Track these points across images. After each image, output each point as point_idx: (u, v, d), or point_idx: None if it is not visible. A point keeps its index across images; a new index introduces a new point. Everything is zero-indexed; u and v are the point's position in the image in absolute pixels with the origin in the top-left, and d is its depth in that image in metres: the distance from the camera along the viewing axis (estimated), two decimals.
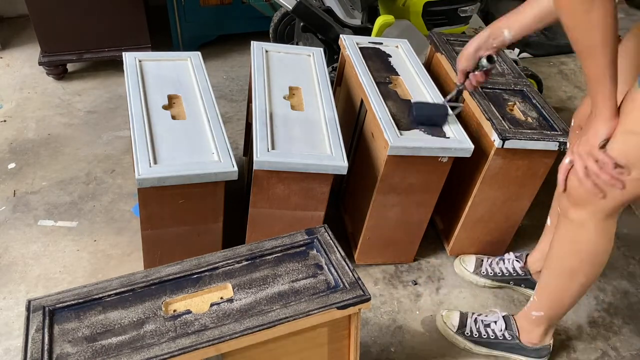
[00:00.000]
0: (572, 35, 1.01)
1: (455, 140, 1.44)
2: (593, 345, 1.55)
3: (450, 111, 1.50)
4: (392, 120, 1.44)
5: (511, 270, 1.63)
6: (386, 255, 1.69)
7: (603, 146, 1.06)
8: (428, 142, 1.41)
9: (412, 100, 1.52)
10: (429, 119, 1.47)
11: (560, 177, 1.16)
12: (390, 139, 1.37)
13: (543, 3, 1.22)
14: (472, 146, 1.42)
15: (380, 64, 1.70)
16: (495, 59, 1.32)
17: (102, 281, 1.01)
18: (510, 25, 1.27)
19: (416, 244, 1.68)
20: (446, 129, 1.47)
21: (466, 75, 1.40)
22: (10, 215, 1.77)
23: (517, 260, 1.64)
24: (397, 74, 1.67)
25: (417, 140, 1.41)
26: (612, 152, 1.05)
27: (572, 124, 1.41)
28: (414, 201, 1.53)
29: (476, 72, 1.36)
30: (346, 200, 1.80)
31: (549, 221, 1.51)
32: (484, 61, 1.32)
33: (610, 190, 1.08)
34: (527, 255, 1.64)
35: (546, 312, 1.35)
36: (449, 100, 1.50)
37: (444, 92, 1.62)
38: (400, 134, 1.41)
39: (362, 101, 1.61)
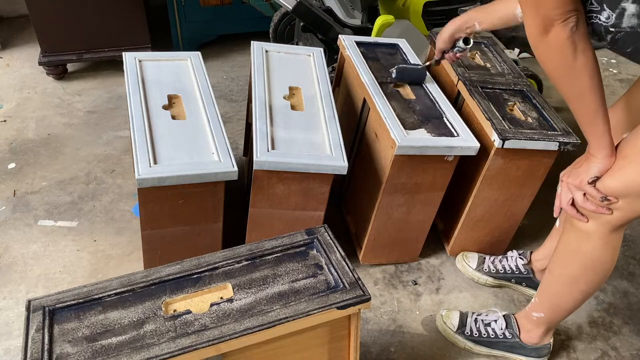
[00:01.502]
0: (560, 85, 1.04)
1: (461, 138, 1.44)
2: (593, 345, 1.55)
3: (428, 73, 1.67)
4: (398, 120, 1.44)
5: (513, 268, 1.63)
6: (391, 255, 1.69)
7: (592, 182, 1.09)
8: (434, 141, 1.41)
9: (396, 66, 1.63)
10: (409, 80, 1.63)
11: (557, 203, 1.20)
12: (397, 138, 1.37)
13: (510, 8, 1.31)
14: (478, 144, 1.43)
15: (380, 63, 1.70)
16: (471, 41, 1.48)
17: (102, 281, 1.01)
18: (481, 20, 1.40)
19: (421, 243, 1.68)
20: (451, 127, 1.47)
21: (443, 53, 1.54)
22: (10, 215, 1.77)
23: (520, 258, 1.64)
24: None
25: (424, 140, 1.41)
26: (611, 183, 1.07)
27: None
28: (420, 200, 1.53)
29: (454, 51, 1.51)
30: (348, 200, 1.80)
31: (557, 223, 1.50)
32: (461, 43, 1.47)
33: (596, 216, 1.12)
34: (531, 253, 1.64)
35: (546, 314, 1.36)
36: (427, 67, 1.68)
37: (444, 91, 1.63)
38: (407, 134, 1.41)
39: (364, 101, 1.61)
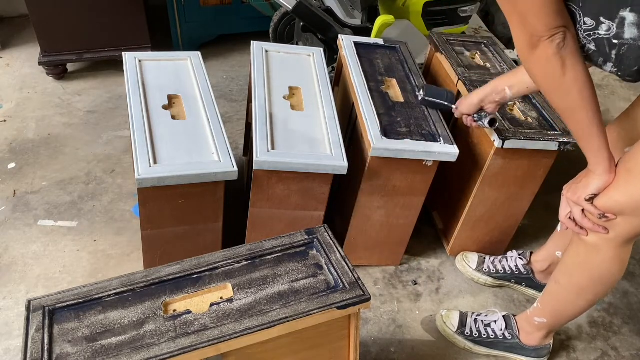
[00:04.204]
0: (552, 100, 1.04)
1: (441, 144, 1.42)
2: (593, 345, 1.55)
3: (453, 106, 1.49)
4: (378, 122, 1.43)
5: (513, 268, 1.63)
6: (372, 258, 1.68)
7: (590, 199, 1.08)
8: (412, 145, 1.40)
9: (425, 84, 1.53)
10: (434, 104, 1.52)
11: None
12: (373, 140, 1.37)
13: None
14: (457, 151, 1.41)
15: (376, 65, 1.70)
16: (497, 124, 1.37)
17: (102, 281, 1.01)
18: (512, 84, 1.30)
19: (403, 247, 1.67)
20: (434, 132, 1.46)
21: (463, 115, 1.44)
22: (10, 215, 1.77)
23: (520, 258, 1.64)
24: (392, 75, 1.67)
25: (401, 143, 1.40)
26: (613, 197, 1.06)
27: None
28: (399, 204, 1.53)
29: (474, 119, 1.40)
30: (339, 200, 1.80)
31: (559, 227, 1.50)
32: (486, 123, 1.37)
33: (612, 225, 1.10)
34: (531, 254, 1.64)
35: (549, 319, 1.36)
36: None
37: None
38: (384, 136, 1.40)
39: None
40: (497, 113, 1.40)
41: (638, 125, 1.17)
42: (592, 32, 0.97)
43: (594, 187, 1.07)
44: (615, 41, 0.96)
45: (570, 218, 1.15)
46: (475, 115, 1.40)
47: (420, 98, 1.54)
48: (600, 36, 0.96)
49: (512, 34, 0.98)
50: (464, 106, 1.41)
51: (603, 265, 1.16)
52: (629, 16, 0.92)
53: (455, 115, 1.48)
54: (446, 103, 1.50)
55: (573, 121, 1.04)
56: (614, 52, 0.97)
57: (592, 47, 0.99)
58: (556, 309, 1.32)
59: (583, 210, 1.11)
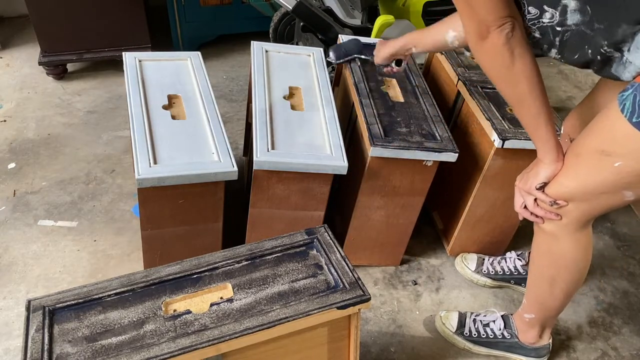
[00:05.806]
0: (501, 89, 1.05)
1: (441, 144, 1.42)
2: (593, 345, 1.55)
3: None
4: (378, 122, 1.44)
5: (512, 269, 1.63)
6: (372, 258, 1.68)
7: (541, 187, 1.09)
8: (412, 145, 1.40)
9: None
10: (345, 54, 1.69)
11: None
12: (373, 140, 1.37)
13: (441, 34, 1.34)
14: (456, 152, 1.42)
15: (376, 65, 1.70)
16: (404, 63, 1.59)
17: (102, 281, 1.01)
18: (416, 44, 1.46)
19: (403, 248, 1.67)
20: (434, 132, 1.46)
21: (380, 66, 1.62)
22: (10, 215, 1.77)
23: (518, 259, 1.64)
24: (392, 75, 1.66)
25: (401, 142, 1.40)
26: (564, 182, 1.07)
27: (561, 131, 1.41)
28: (399, 204, 1.53)
29: (391, 67, 1.60)
30: (338, 200, 1.80)
31: (520, 218, 1.50)
32: (393, 64, 1.59)
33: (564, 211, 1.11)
34: (529, 254, 1.64)
35: (536, 314, 1.36)
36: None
37: (444, 91, 1.62)
38: (385, 136, 1.40)
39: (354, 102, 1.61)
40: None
41: (597, 112, 1.18)
42: (536, 21, 0.98)
43: (543, 175, 1.09)
44: (558, 28, 0.97)
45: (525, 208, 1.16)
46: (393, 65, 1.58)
47: (333, 62, 1.69)
48: (544, 24, 0.98)
49: (462, 24, 0.98)
50: (378, 59, 1.56)
51: (564, 252, 1.17)
52: (570, 3, 0.94)
53: (374, 63, 1.61)
54: (362, 56, 1.68)
55: (522, 110, 1.05)
56: (557, 38, 0.98)
57: (537, 35, 1.00)
58: (538, 302, 1.33)
59: (536, 199, 1.12)
